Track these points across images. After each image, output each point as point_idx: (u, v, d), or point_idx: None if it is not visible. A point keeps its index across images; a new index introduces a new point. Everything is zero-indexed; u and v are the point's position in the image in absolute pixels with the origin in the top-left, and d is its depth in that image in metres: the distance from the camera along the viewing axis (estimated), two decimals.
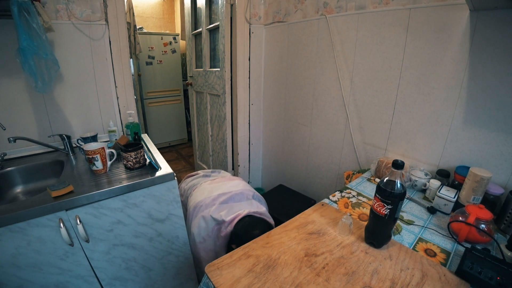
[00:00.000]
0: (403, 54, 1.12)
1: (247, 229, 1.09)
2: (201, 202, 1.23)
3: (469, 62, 0.94)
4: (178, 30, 3.71)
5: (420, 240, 0.79)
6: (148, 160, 1.13)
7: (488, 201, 0.89)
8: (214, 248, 1.18)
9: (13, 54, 1.02)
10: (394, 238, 0.80)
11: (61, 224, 0.84)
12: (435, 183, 1.00)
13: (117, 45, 1.37)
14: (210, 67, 2.10)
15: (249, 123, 2.05)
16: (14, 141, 1.06)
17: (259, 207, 1.23)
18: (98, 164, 1.02)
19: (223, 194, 1.25)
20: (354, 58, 1.32)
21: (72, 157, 1.23)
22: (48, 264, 0.87)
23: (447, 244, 0.78)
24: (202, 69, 2.19)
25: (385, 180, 0.70)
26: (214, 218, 1.16)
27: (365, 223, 0.82)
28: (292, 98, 1.77)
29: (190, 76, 2.44)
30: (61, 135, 1.22)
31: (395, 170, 0.67)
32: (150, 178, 1.00)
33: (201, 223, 1.17)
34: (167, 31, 3.55)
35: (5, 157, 1.16)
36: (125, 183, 0.96)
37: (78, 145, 1.30)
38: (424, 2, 1.02)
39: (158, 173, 1.03)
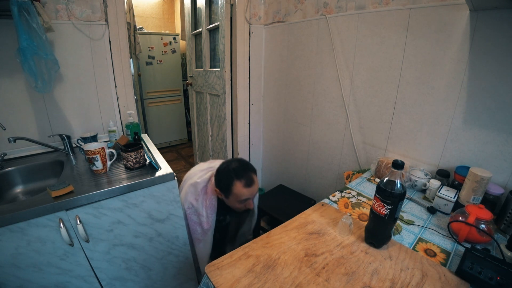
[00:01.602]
0: (403, 54, 1.12)
1: (227, 164, 1.06)
2: (191, 174, 1.20)
3: (469, 62, 0.94)
4: (178, 30, 3.71)
5: (420, 240, 0.79)
6: (148, 160, 1.13)
7: (488, 201, 0.89)
8: (203, 213, 1.12)
9: (13, 54, 1.02)
10: (394, 238, 0.80)
11: (61, 224, 0.84)
12: (435, 183, 1.00)
13: (117, 45, 1.37)
14: (210, 67, 2.10)
15: (249, 123, 2.05)
16: (14, 141, 1.06)
17: None
18: (98, 164, 1.02)
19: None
20: (354, 58, 1.32)
21: (72, 157, 1.23)
22: (48, 264, 0.87)
23: (447, 244, 0.78)
24: (202, 69, 2.19)
25: (385, 180, 0.70)
26: (202, 180, 1.12)
27: (365, 223, 0.82)
28: (292, 98, 1.77)
29: (190, 76, 2.44)
30: (61, 135, 1.22)
31: (395, 170, 0.67)
32: (150, 178, 1.00)
33: (189, 189, 1.13)
34: (167, 31, 3.55)
35: (5, 157, 1.16)
36: (125, 183, 0.96)
37: (78, 145, 1.30)
38: (424, 2, 1.02)
39: (158, 173, 1.03)
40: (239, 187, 1.01)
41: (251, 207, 1.07)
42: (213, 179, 1.12)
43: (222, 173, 1.05)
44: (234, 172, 1.02)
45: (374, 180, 1.18)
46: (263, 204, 1.53)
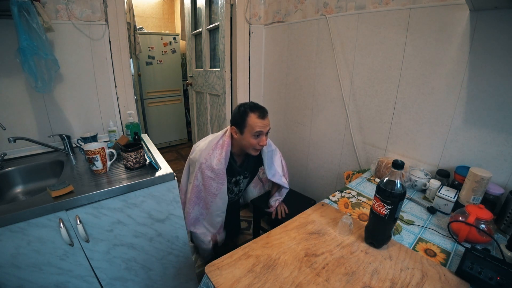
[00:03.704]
0: (403, 54, 1.12)
1: (241, 104, 1.21)
2: (202, 139, 1.34)
3: (469, 62, 0.94)
4: (178, 30, 3.71)
5: (420, 240, 0.79)
6: (148, 160, 1.13)
7: (488, 201, 0.89)
8: (215, 165, 1.20)
9: (13, 54, 1.02)
10: (394, 238, 0.80)
11: (61, 224, 0.84)
12: (435, 183, 1.00)
13: (117, 45, 1.37)
14: (210, 67, 2.10)
15: None
16: (14, 141, 1.06)
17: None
18: (98, 164, 1.02)
19: None
20: (354, 58, 1.32)
21: (72, 157, 1.23)
22: (48, 264, 0.87)
23: (447, 244, 0.78)
24: (202, 69, 2.19)
25: (385, 180, 0.70)
26: (216, 136, 1.28)
27: (365, 223, 0.82)
28: (292, 98, 1.77)
29: (190, 76, 2.44)
30: (61, 135, 1.22)
31: (395, 170, 0.67)
32: (150, 178, 1.00)
33: (205, 146, 1.25)
34: (167, 31, 3.55)
35: (5, 157, 1.16)
36: (125, 183, 0.96)
37: (78, 145, 1.30)
38: (424, 2, 1.02)
39: (158, 173, 1.03)
40: (253, 118, 1.15)
41: (264, 143, 1.19)
42: (227, 131, 1.26)
43: (237, 111, 1.20)
44: (248, 106, 1.18)
45: (374, 180, 1.18)
46: (263, 204, 1.53)
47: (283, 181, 1.41)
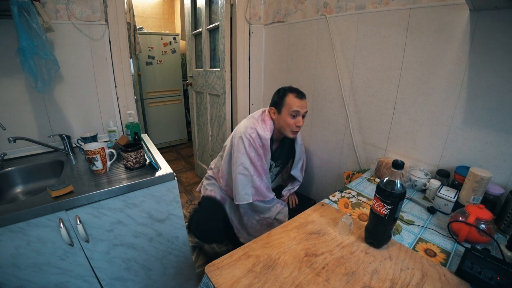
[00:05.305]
0: (403, 54, 1.12)
1: (281, 87, 1.28)
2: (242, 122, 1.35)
3: (469, 62, 0.94)
4: (178, 30, 3.71)
5: (420, 240, 0.79)
6: (148, 160, 1.13)
7: (488, 201, 0.89)
8: (264, 134, 1.23)
9: (13, 54, 1.02)
10: (394, 238, 0.80)
11: (61, 224, 0.84)
12: (435, 183, 1.00)
13: (117, 45, 1.37)
14: (210, 67, 2.10)
15: None
16: (14, 141, 1.06)
17: None
18: (98, 164, 1.02)
19: None
20: (354, 58, 1.32)
21: (72, 157, 1.23)
22: (48, 264, 0.87)
23: (447, 244, 0.78)
24: (202, 69, 2.19)
25: (385, 180, 0.70)
26: (256, 112, 1.34)
27: (365, 223, 0.82)
28: None
29: (190, 76, 2.44)
30: (61, 135, 1.22)
31: (395, 170, 0.67)
32: (150, 178, 1.00)
33: (247, 122, 1.27)
34: (167, 31, 3.55)
35: (5, 157, 1.16)
36: (125, 183, 0.96)
37: (78, 145, 1.30)
38: (424, 2, 1.02)
39: (158, 173, 1.03)
40: (291, 97, 1.21)
41: (301, 124, 1.22)
42: (265, 112, 1.30)
43: (276, 93, 1.27)
44: (288, 88, 1.25)
45: (374, 180, 1.18)
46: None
47: (298, 175, 1.48)
